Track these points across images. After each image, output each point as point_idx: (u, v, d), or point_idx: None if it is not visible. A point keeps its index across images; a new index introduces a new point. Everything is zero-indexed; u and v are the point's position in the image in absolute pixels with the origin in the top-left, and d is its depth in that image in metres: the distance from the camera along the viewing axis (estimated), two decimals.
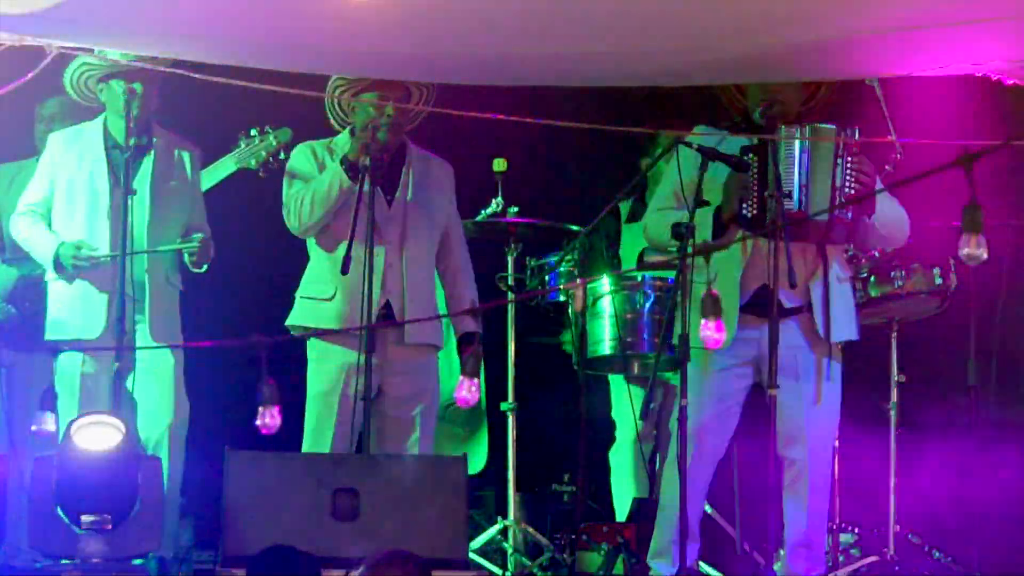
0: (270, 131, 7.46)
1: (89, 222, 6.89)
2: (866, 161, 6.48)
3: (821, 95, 6.59)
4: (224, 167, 7.49)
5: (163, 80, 6.74)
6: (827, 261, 6.47)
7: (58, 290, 6.90)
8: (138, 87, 6.80)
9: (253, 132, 7.50)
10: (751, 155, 6.42)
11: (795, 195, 6.38)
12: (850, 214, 6.45)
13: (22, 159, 7.39)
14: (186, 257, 6.93)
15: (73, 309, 6.85)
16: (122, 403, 6.67)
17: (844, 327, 6.52)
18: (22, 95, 5.99)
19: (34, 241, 6.90)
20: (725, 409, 6.48)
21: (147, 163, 6.95)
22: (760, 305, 6.39)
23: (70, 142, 6.98)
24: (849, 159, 6.42)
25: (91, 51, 6.31)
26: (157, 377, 6.86)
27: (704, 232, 6.40)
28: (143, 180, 6.92)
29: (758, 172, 6.42)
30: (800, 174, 6.39)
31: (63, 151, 6.96)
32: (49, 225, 6.95)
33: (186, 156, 7.06)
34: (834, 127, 6.48)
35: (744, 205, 6.43)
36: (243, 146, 7.49)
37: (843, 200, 6.37)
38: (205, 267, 6.99)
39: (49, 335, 6.91)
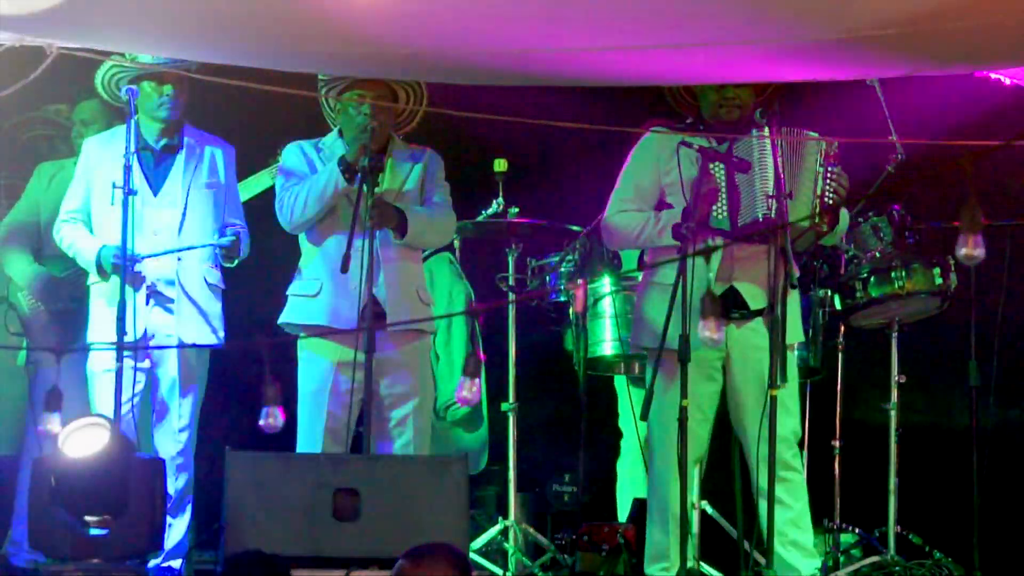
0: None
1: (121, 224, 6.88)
2: (844, 174, 6.51)
3: (771, 90, 6.60)
4: (261, 182, 7.52)
5: (197, 83, 6.77)
6: (788, 265, 6.47)
7: (100, 291, 6.92)
8: (168, 89, 6.83)
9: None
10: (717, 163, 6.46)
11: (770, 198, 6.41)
12: (826, 224, 6.48)
13: (61, 158, 7.43)
14: (219, 251, 6.95)
15: (112, 312, 6.86)
16: (126, 404, 6.69)
17: (794, 329, 6.56)
18: (21, 96, 6.00)
19: (78, 246, 6.94)
20: (699, 410, 6.47)
21: (177, 163, 6.96)
22: (729, 306, 6.40)
23: (103, 146, 7.01)
24: (830, 170, 6.45)
25: (92, 51, 6.31)
26: (184, 391, 6.89)
27: (667, 236, 6.45)
28: (174, 180, 6.94)
29: (725, 174, 6.44)
30: (776, 180, 6.40)
31: (97, 155, 6.99)
32: (91, 229, 6.97)
33: (218, 154, 7.08)
34: (816, 135, 6.51)
35: (715, 208, 6.44)
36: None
37: (820, 209, 6.40)
38: (236, 262, 7.01)
39: (91, 335, 6.93)
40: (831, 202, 6.42)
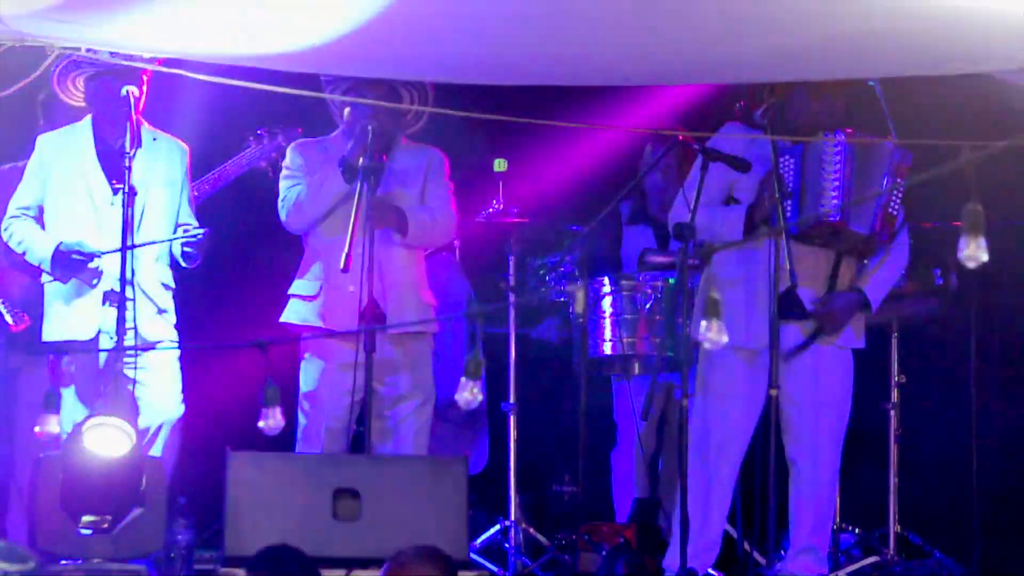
0: (279, 131, 7.46)
1: (82, 222, 6.87)
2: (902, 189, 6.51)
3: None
4: (235, 167, 7.50)
5: (158, 78, 6.74)
6: (841, 268, 6.49)
7: (53, 291, 6.89)
8: (135, 89, 6.80)
9: (261, 132, 7.50)
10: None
11: (834, 203, 6.40)
12: (885, 234, 6.49)
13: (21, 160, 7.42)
14: (177, 250, 6.91)
15: (68, 310, 6.85)
16: (122, 404, 6.67)
17: (850, 335, 6.55)
18: (22, 96, 6.00)
19: (30, 242, 6.89)
20: (749, 411, 6.48)
21: (137, 161, 6.93)
22: (786, 307, 6.39)
23: (59, 143, 6.97)
24: (899, 180, 6.45)
25: (92, 52, 6.30)
26: (155, 376, 6.85)
27: (736, 231, 6.43)
28: (132, 178, 6.90)
29: (794, 175, 6.44)
30: (843, 183, 6.39)
31: (52, 152, 6.95)
32: (43, 227, 6.94)
33: (174, 151, 7.05)
34: (890, 145, 6.50)
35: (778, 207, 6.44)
36: (253, 147, 7.50)
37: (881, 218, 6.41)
38: (196, 263, 6.98)
39: (46, 336, 6.91)
40: (895, 213, 6.45)
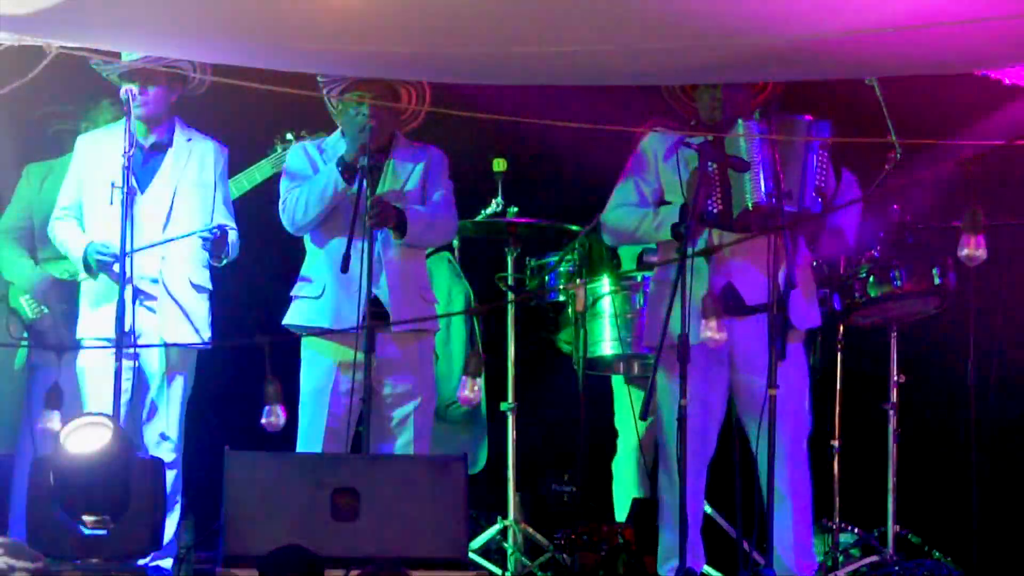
0: (306, 135, 7.44)
1: (111, 222, 6.88)
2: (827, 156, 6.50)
3: (771, 88, 6.60)
4: (261, 171, 7.51)
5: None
6: (792, 252, 6.46)
7: (87, 290, 6.93)
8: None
9: (289, 136, 7.49)
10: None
11: (763, 190, 6.38)
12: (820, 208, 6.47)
13: (50, 159, 7.42)
14: (206, 244, 6.92)
15: (97, 308, 6.87)
16: (123, 403, 6.68)
17: (808, 315, 6.55)
18: (30, 94, 6.01)
19: (68, 243, 6.96)
20: (706, 408, 6.46)
21: (166, 160, 6.94)
22: (727, 302, 6.36)
23: (95, 143, 7.01)
24: (820, 152, 6.44)
25: (91, 51, 6.30)
26: (171, 389, 6.88)
27: (665, 231, 6.44)
28: (161, 177, 6.93)
29: (719, 169, 6.43)
30: (766, 168, 6.40)
31: (90, 152, 7.00)
32: (83, 226, 6.98)
33: (209, 153, 7.06)
34: (807, 120, 6.50)
35: (709, 201, 6.44)
36: (279, 150, 7.50)
37: (813, 194, 6.40)
38: (224, 261, 6.99)
39: (79, 334, 6.95)
40: (822, 185, 6.42)
